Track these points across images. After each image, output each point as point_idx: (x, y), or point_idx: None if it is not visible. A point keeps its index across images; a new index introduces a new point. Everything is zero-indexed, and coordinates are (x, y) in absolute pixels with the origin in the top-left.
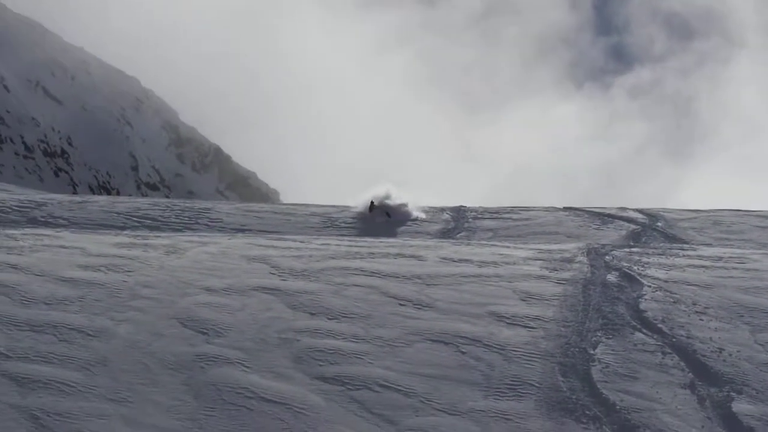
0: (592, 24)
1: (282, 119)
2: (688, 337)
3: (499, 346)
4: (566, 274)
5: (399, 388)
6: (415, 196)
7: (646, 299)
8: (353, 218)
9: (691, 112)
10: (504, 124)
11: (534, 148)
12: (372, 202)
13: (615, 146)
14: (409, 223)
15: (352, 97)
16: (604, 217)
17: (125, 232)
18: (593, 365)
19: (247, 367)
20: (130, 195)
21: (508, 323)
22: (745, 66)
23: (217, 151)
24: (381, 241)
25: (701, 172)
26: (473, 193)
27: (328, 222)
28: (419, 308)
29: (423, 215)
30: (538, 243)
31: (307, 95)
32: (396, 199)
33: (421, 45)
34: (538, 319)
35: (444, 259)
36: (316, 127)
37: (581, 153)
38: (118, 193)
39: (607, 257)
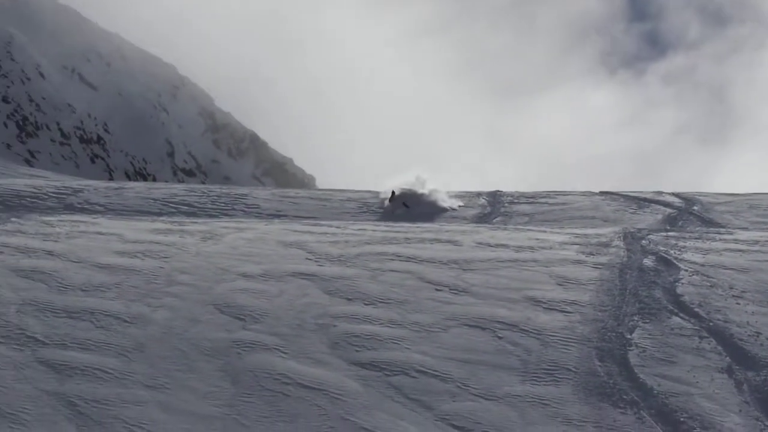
0: (625, 10)
1: (317, 105)
2: (725, 321)
3: (535, 331)
4: (603, 259)
5: (436, 373)
6: (446, 182)
7: (682, 283)
8: (379, 206)
9: (726, 98)
10: (537, 110)
11: (567, 135)
12: (393, 192)
13: (649, 133)
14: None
15: (388, 83)
16: (640, 202)
17: (162, 218)
18: (630, 350)
19: (284, 352)
20: (166, 181)
21: (544, 308)
22: None
23: (253, 137)
24: (417, 226)
25: (736, 158)
26: (507, 179)
27: (364, 207)
28: (456, 293)
29: (454, 204)
30: (575, 227)
31: (342, 81)
32: (425, 186)
33: (455, 32)
34: (575, 303)
35: (480, 243)
36: (351, 113)
37: (615, 140)
38: (154, 180)
39: (643, 241)
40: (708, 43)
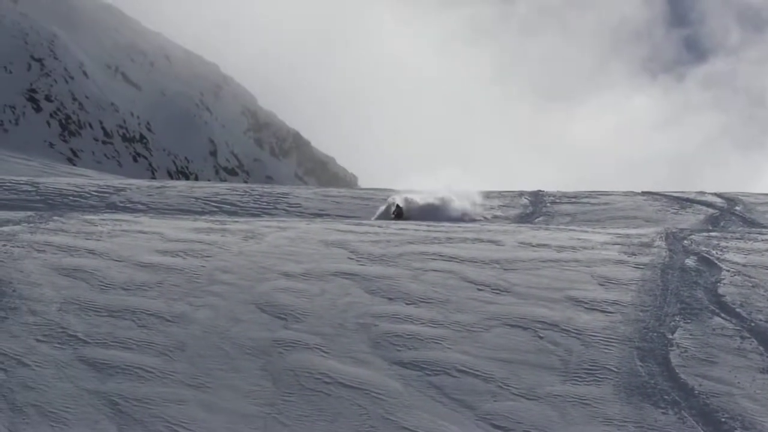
0: (666, 16)
1: (360, 105)
2: (766, 322)
3: (577, 331)
4: (644, 259)
5: (477, 373)
6: (477, 184)
7: (724, 284)
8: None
9: (766, 102)
10: (578, 114)
11: (608, 138)
12: (397, 205)
13: (689, 136)
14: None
15: (429, 86)
16: (682, 202)
17: (204, 217)
18: (671, 350)
19: (326, 352)
20: (208, 180)
21: (586, 308)
22: None
23: (296, 136)
24: (459, 226)
25: None
26: (546, 180)
27: None
28: (497, 293)
29: (474, 212)
30: (617, 227)
31: (386, 84)
32: (449, 200)
33: (498, 38)
34: (617, 303)
35: (522, 243)
36: (393, 114)
37: (655, 143)
38: (196, 178)
39: (685, 242)
40: (747, 48)
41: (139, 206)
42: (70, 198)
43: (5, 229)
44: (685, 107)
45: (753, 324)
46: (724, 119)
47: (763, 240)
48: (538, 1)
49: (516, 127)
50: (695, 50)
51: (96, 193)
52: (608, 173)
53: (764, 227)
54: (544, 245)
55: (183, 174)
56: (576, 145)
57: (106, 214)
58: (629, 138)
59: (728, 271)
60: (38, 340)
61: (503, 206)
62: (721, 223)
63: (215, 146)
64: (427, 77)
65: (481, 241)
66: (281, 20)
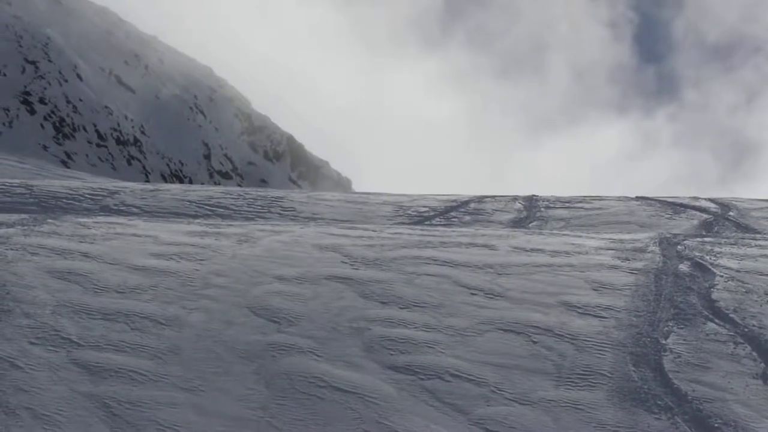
0: (634, 55)
1: (353, 114)
2: (760, 327)
3: (570, 336)
4: (638, 264)
5: (470, 377)
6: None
7: (718, 289)
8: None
9: (736, 136)
10: (552, 152)
11: (580, 174)
12: None
13: (658, 171)
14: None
15: (414, 117)
16: (676, 207)
17: (197, 220)
18: (665, 355)
19: (319, 356)
20: (202, 183)
21: (579, 313)
22: None
23: (290, 140)
24: (453, 231)
25: (752, 194)
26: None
27: (400, 211)
28: (491, 297)
29: None
30: (610, 233)
31: (377, 102)
32: None
33: (472, 82)
34: (610, 308)
35: (516, 248)
36: (386, 129)
37: (625, 177)
38: (190, 182)
39: (679, 247)
40: (716, 82)
41: (133, 209)
42: (64, 201)
43: None
44: (656, 143)
45: (746, 330)
46: (695, 154)
47: (756, 245)
48: (509, 48)
49: (491, 162)
50: (664, 86)
51: (90, 196)
52: None
53: (758, 233)
54: (538, 250)
55: (177, 177)
56: (548, 182)
57: (99, 217)
58: (599, 174)
59: (722, 276)
60: (31, 343)
61: (498, 210)
62: (715, 229)
63: (209, 149)
64: (409, 109)
65: (475, 245)
66: (277, 25)
